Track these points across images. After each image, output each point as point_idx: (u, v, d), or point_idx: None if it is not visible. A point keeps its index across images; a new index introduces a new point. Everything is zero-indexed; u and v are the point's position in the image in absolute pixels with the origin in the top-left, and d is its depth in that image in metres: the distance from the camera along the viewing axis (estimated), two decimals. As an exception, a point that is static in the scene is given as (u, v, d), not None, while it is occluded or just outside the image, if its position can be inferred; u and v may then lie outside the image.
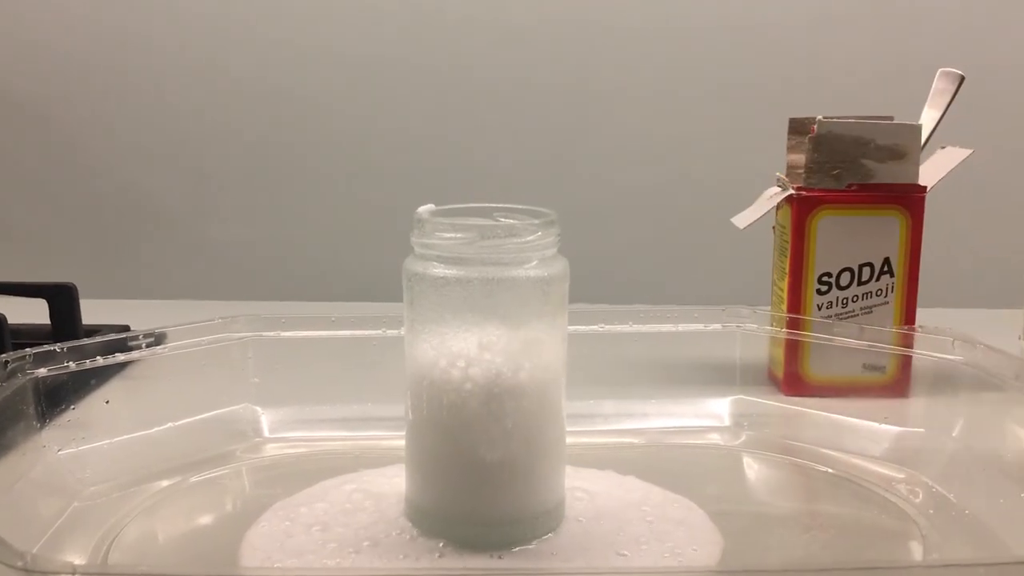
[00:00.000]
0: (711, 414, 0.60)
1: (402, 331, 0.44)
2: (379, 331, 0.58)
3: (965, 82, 0.65)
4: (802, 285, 0.63)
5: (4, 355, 0.49)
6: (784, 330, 0.61)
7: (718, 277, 1.03)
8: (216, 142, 1.10)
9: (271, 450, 0.56)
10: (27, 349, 0.50)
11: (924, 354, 0.56)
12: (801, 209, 0.63)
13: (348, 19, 1.07)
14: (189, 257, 1.11)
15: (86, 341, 0.52)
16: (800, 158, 0.64)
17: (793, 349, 0.62)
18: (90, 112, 1.09)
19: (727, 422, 0.59)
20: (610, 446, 0.56)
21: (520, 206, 0.43)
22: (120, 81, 1.08)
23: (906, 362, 0.59)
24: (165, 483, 0.51)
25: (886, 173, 0.63)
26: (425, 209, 0.43)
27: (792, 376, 0.63)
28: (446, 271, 0.41)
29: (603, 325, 0.60)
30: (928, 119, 0.66)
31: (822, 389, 0.61)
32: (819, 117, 0.63)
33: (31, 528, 0.44)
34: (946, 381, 0.54)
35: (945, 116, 0.66)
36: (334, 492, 0.48)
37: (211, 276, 1.10)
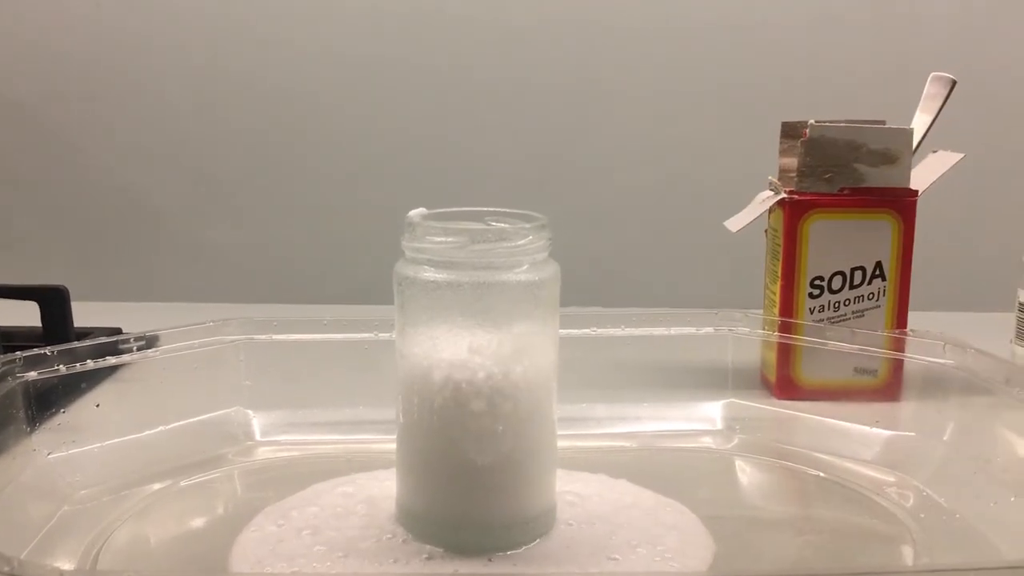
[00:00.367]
0: (703, 418, 0.60)
1: (394, 334, 0.44)
2: (371, 334, 0.58)
3: (957, 86, 0.66)
4: (794, 289, 0.63)
5: (-6, 358, 0.48)
6: (776, 334, 0.61)
7: (710, 280, 1.03)
8: (208, 144, 1.09)
9: (263, 453, 0.56)
10: (17, 352, 0.50)
11: (915, 358, 0.56)
12: (793, 213, 0.63)
13: (347, 20, 1.07)
14: (181, 259, 1.11)
15: (77, 344, 0.52)
16: (792, 162, 0.65)
17: (785, 353, 0.62)
18: (81, 113, 1.09)
19: (719, 426, 0.59)
20: (602, 450, 0.56)
21: (511, 210, 0.43)
22: (114, 82, 1.08)
23: (897, 366, 0.59)
24: (156, 487, 0.50)
25: (878, 177, 0.63)
26: (416, 213, 0.43)
27: (784, 380, 0.63)
28: (437, 275, 0.41)
29: (595, 328, 0.60)
30: (920, 123, 0.66)
31: (814, 393, 0.62)
32: (811, 121, 0.64)
33: (20, 532, 0.44)
34: (937, 385, 0.54)
35: (937, 120, 0.66)
36: (325, 496, 0.48)
37: (203, 279, 1.10)
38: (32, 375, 0.49)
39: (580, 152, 1.09)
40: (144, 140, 1.09)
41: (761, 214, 0.66)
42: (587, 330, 0.59)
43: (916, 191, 0.63)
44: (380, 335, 0.58)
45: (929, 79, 0.67)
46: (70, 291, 0.67)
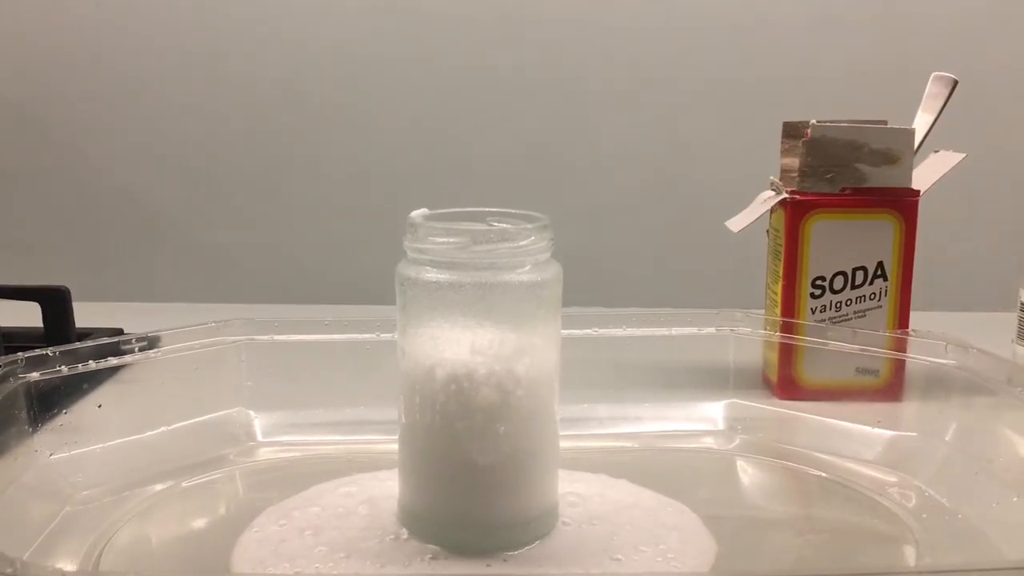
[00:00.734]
0: (705, 418, 0.60)
1: (396, 335, 0.44)
2: (373, 335, 0.58)
3: (958, 86, 0.66)
4: (796, 289, 0.63)
5: (-4, 359, 0.48)
6: (778, 334, 0.61)
7: (712, 281, 1.03)
8: (209, 144, 1.09)
9: (264, 454, 0.56)
10: (19, 353, 0.50)
11: (917, 358, 0.56)
12: (795, 213, 0.63)
13: (347, 20, 1.07)
14: (183, 260, 1.11)
15: (79, 345, 0.52)
16: (794, 162, 0.65)
17: (787, 353, 0.62)
18: (82, 113, 1.09)
19: (721, 426, 0.60)
20: (604, 450, 0.56)
21: (513, 210, 0.43)
22: (114, 82, 1.08)
23: (899, 366, 0.59)
24: (158, 487, 0.50)
25: (879, 177, 0.63)
26: (418, 213, 0.43)
27: (786, 380, 0.63)
28: (439, 276, 0.41)
29: (597, 329, 0.60)
30: (921, 123, 0.66)
31: (815, 393, 0.62)
32: (813, 121, 0.64)
33: (22, 533, 0.44)
34: (939, 385, 0.54)
35: (938, 120, 0.66)
36: (327, 496, 0.48)
37: (205, 279, 1.10)
38: (34, 376, 0.49)
39: (582, 152, 1.08)
40: (145, 140, 1.09)
41: (762, 214, 0.66)
42: (589, 330, 0.59)
43: (918, 191, 0.63)
44: (382, 335, 0.58)
45: (931, 79, 0.67)
46: (71, 292, 0.67)
